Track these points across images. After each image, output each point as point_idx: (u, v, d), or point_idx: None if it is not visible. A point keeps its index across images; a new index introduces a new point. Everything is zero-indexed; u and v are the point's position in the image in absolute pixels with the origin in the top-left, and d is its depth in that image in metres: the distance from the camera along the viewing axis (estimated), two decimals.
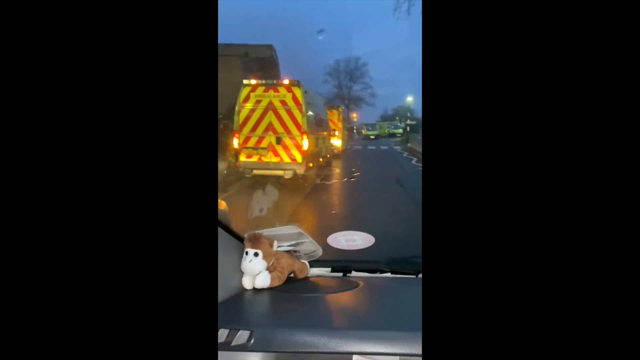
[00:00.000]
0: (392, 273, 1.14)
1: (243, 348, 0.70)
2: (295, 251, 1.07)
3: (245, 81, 7.64)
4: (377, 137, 33.77)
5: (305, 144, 7.58)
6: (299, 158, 7.59)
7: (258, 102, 7.47)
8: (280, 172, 7.59)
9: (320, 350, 0.69)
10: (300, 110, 7.49)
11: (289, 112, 7.52)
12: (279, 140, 7.57)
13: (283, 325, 0.76)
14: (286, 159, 7.62)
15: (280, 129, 7.55)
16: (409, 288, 1.03)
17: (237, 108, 7.44)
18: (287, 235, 1.02)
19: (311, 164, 8.12)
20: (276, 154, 7.61)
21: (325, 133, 10.89)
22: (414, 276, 1.11)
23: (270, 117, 7.50)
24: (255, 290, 0.97)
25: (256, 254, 0.96)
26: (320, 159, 9.66)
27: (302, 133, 7.53)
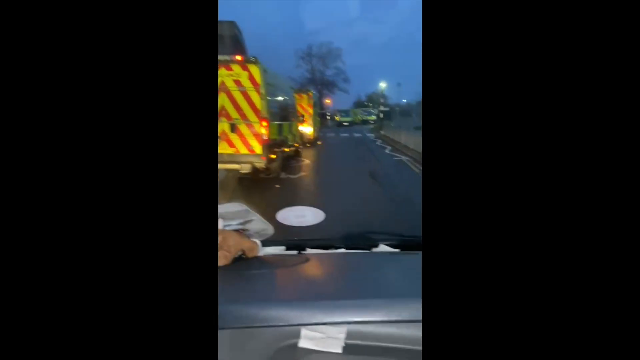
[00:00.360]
0: (346, 249, 1.10)
1: None
2: (244, 230, 0.99)
3: None
4: (350, 124, 33.26)
5: (265, 131, 6.45)
6: (257, 149, 6.46)
7: None
8: (236, 166, 6.42)
9: (263, 324, 0.66)
10: (258, 92, 6.33)
11: (245, 95, 6.35)
12: (233, 128, 6.39)
13: (224, 301, 0.66)
14: (243, 150, 6.48)
15: (234, 115, 6.37)
16: (361, 261, 1.02)
17: None
18: (233, 214, 0.95)
19: (273, 156, 7.02)
20: (231, 144, 6.43)
21: (293, 119, 9.77)
22: (368, 251, 1.09)
23: (222, 100, 6.28)
24: None
25: None
26: (287, 149, 8.56)
27: (261, 119, 6.39)
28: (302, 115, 12.71)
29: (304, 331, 0.66)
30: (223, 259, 0.87)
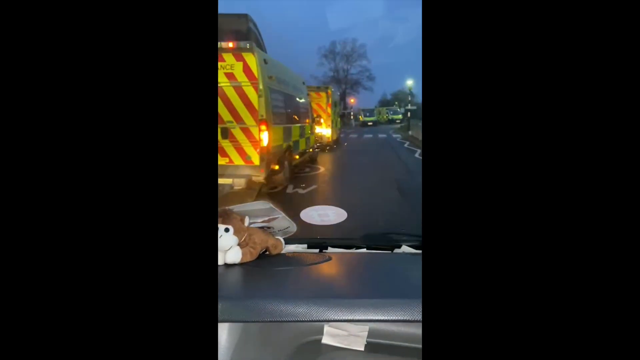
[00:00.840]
0: (367, 249, 1.13)
1: None
2: (268, 227, 1.05)
3: None
4: (375, 123, 31.64)
5: (265, 137, 5.14)
6: (255, 159, 5.17)
7: None
8: (227, 181, 5.14)
9: (287, 319, 0.68)
10: (256, 88, 5.03)
11: (239, 91, 5.06)
12: (225, 133, 5.13)
13: (250, 296, 0.74)
14: (237, 161, 5.20)
15: (227, 117, 5.09)
16: (383, 261, 1.03)
17: None
18: (258, 211, 1.00)
19: (276, 166, 5.70)
20: (223, 154, 5.17)
21: (307, 120, 8.42)
22: (389, 251, 1.11)
23: None
24: (226, 265, 0.95)
25: (227, 230, 0.95)
26: (296, 157, 7.23)
27: (259, 122, 5.09)
28: (319, 116, 11.34)
29: (327, 328, 0.76)
30: (248, 255, 0.93)
